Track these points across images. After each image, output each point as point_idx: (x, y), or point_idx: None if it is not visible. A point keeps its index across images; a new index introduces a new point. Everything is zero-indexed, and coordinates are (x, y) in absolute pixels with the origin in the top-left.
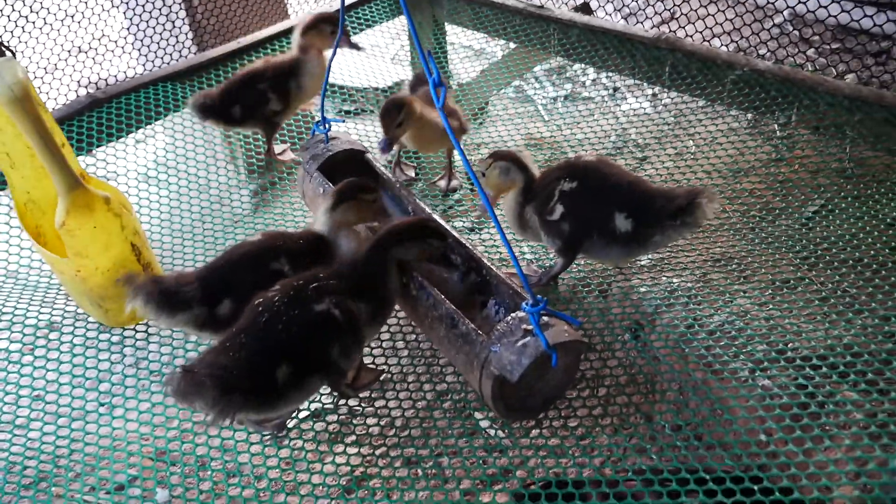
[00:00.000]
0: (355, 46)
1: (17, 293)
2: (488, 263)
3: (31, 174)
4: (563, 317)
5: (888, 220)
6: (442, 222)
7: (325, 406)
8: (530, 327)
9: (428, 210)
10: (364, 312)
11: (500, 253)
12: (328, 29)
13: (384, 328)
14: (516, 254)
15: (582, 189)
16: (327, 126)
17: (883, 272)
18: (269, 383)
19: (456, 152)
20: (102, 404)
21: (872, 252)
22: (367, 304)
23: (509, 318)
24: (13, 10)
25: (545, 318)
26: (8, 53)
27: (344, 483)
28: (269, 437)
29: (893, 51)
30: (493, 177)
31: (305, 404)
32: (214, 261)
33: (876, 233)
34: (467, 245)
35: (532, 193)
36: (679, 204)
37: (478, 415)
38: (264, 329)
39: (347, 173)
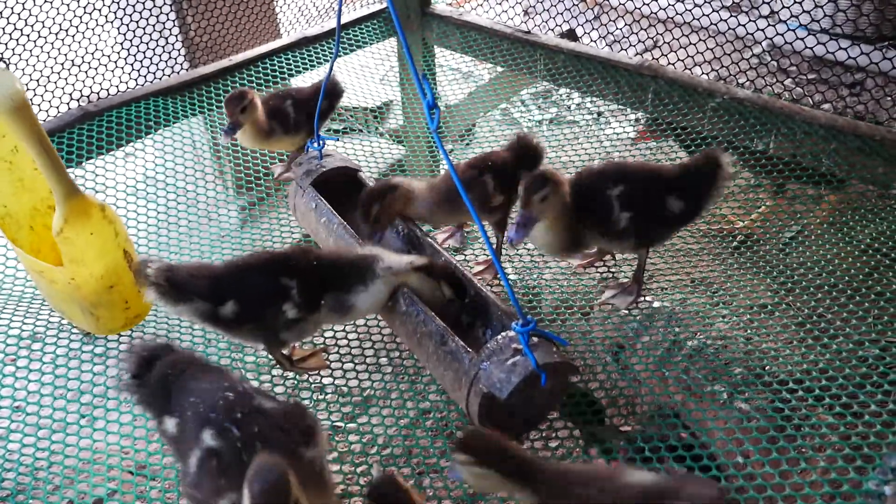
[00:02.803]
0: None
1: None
2: (479, 284)
3: (7, 188)
4: (552, 336)
5: (862, 245)
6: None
7: None
8: (520, 347)
9: (429, 240)
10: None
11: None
12: None
13: (369, 345)
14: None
15: (631, 189)
16: (321, 143)
17: (857, 297)
18: None
19: None
20: (83, 416)
21: (847, 277)
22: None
23: (499, 336)
24: (8, 22)
25: (534, 339)
26: (1, 64)
27: None
28: None
29: (867, 83)
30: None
31: None
32: (234, 260)
33: (850, 258)
34: (458, 265)
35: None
36: (712, 162)
37: (460, 434)
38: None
39: (339, 190)
